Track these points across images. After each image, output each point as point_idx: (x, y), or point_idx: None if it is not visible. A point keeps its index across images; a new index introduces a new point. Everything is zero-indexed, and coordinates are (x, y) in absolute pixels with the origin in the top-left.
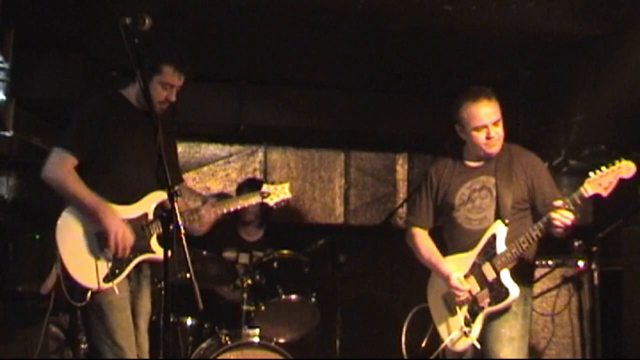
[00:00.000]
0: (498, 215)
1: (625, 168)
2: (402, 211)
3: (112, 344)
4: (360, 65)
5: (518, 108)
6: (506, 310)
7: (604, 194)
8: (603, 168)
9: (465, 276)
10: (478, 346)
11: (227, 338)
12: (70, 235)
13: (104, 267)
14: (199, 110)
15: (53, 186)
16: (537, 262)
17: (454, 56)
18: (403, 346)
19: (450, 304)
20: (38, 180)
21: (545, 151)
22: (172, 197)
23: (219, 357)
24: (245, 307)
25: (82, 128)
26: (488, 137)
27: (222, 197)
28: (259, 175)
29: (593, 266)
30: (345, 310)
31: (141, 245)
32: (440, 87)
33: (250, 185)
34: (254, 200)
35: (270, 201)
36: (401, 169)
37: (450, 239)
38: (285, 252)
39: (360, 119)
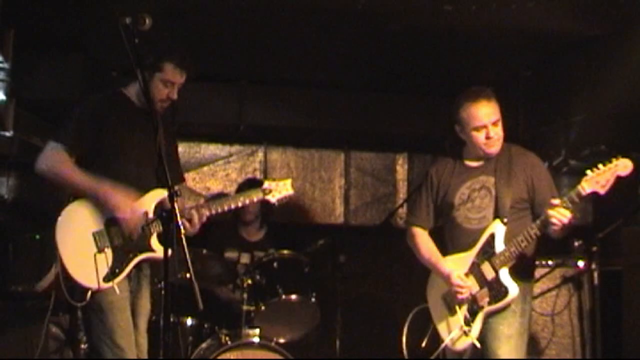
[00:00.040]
0: (497, 215)
1: (622, 165)
2: (402, 211)
3: (112, 344)
4: (360, 65)
5: (518, 108)
6: (505, 308)
7: (602, 191)
8: (600, 166)
9: (465, 275)
10: (478, 345)
11: (227, 338)
12: (70, 235)
13: (104, 266)
14: (199, 110)
15: (48, 178)
16: (537, 262)
17: (454, 56)
18: (404, 346)
19: (450, 304)
20: (38, 180)
21: (545, 151)
22: (172, 196)
23: (219, 357)
24: (245, 307)
25: (79, 126)
26: (488, 137)
27: (222, 197)
28: (259, 175)
29: (593, 266)
30: (345, 310)
31: (141, 244)
32: (440, 87)
33: (251, 186)
34: (255, 196)
35: (272, 198)
36: (401, 169)
37: (450, 239)
38: (285, 252)
39: (360, 119)
